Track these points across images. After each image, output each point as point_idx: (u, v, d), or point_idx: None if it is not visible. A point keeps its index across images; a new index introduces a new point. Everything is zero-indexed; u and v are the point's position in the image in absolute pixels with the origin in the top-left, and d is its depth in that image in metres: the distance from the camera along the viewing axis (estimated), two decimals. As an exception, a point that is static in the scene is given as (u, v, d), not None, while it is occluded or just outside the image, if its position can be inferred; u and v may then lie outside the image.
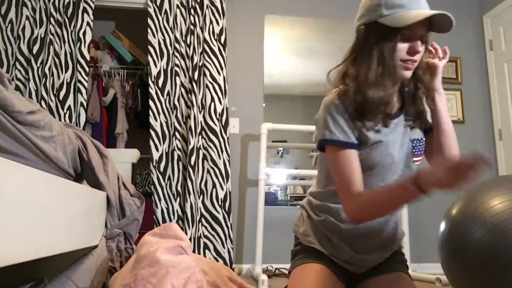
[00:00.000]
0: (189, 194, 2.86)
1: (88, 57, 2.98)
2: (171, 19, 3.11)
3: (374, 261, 1.24)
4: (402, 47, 1.08)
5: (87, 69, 2.97)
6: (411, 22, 1.04)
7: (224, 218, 2.90)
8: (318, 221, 1.26)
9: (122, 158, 2.42)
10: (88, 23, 3.01)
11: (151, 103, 2.97)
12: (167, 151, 2.95)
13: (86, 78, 2.96)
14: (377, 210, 1.06)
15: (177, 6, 3.11)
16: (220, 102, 3.04)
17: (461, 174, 0.84)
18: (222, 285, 1.01)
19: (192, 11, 3.11)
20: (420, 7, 1.07)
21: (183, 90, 3.05)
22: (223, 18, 3.15)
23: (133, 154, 2.57)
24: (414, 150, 1.20)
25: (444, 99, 1.20)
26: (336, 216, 1.21)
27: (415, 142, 1.20)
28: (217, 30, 3.13)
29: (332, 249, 1.23)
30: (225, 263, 2.84)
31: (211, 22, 3.12)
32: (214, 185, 2.92)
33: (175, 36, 3.08)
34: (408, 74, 1.10)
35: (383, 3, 1.08)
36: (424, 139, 1.22)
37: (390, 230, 1.24)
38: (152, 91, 2.98)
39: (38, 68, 2.91)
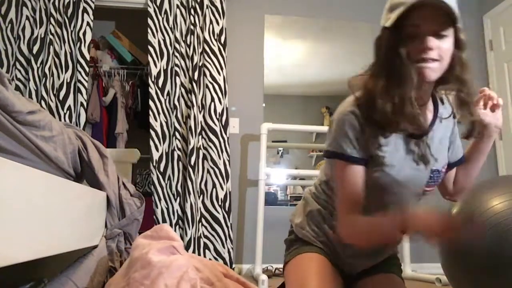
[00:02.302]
0: (189, 194, 2.86)
1: (88, 57, 2.98)
2: (171, 19, 3.11)
3: (364, 265, 1.23)
4: (412, 47, 0.98)
5: (87, 69, 2.97)
6: (396, 16, 0.96)
7: (224, 218, 2.90)
8: (319, 214, 1.22)
9: (122, 158, 2.42)
10: (88, 23, 3.01)
11: (151, 103, 2.97)
12: (167, 151, 2.95)
13: (86, 78, 2.96)
14: (367, 236, 1.03)
15: (177, 6, 3.11)
16: (220, 102, 3.04)
17: (450, 231, 0.83)
18: (216, 281, 1.01)
19: (192, 11, 3.11)
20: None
21: (183, 90, 3.05)
22: (223, 18, 3.15)
23: (133, 154, 2.57)
24: (430, 181, 1.12)
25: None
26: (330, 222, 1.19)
27: (434, 173, 1.12)
28: (217, 30, 3.13)
29: (324, 245, 1.21)
30: (225, 263, 2.84)
31: (211, 22, 3.12)
32: (214, 185, 2.92)
33: (175, 36, 3.08)
34: (428, 74, 0.98)
35: (387, 8, 1.02)
36: (443, 171, 1.14)
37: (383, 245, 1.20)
38: (152, 91, 2.98)
39: (38, 68, 2.91)
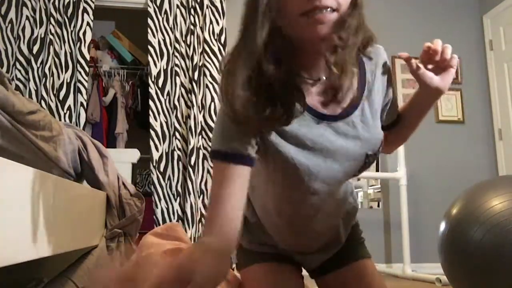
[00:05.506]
0: (189, 194, 2.86)
1: (88, 57, 2.98)
2: (171, 19, 3.11)
3: (320, 260, 1.07)
4: None
5: (87, 69, 2.97)
6: None
7: (224, 218, 2.90)
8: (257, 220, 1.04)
9: (122, 158, 2.42)
10: (88, 23, 3.01)
11: (151, 103, 2.97)
12: (167, 151, 2.95)
13: (86, 78, 2.96)
14: None
15: (177, 6, 3.11)
16: (220, 102, 3.04)
17: None
18: None
19: (192, 11, 3.11)
20: None
21: (183, 90, 3.05)
22: (223, 18, 3.15)
23: (133, 154, 2.57)
24: (364, 166, 0.87)
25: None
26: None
27: (369, 157, 0.86)
28: (217, 30, 3.13)
29: (273, 248, 1.05)
30: (225, 263, 2.84)
31: (211, 22, 3.12)
32: (214, 185, 2.92)
33: (175, 36, 3.09)
34: (322, 30, 0.69)
35: None
36: (380, 150, 0.88)
37: (332, 233, 1.02)
38: (152, 91, 2.98)
39: (38, 68, 2.91)
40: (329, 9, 0.68)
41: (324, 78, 0.79)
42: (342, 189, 0.96)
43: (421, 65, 0.85)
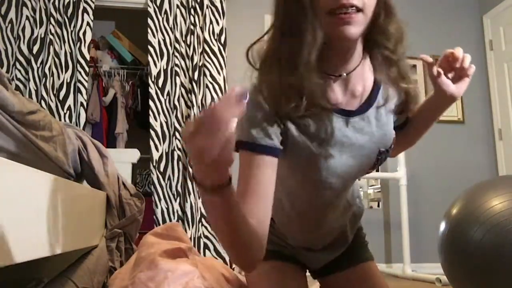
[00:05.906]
0: (189, 194, 2.86)
1: (88, 57, 2.98)
2: (171, 19, 3.11)
3: (326, 259, 1.08)
4: None
5: (87, 69, 2.97)
6: None
7: (224, 218, 2.91)
8: None
9: (122, 158, 2.42)
10: (88, 23, 3.01)
11: (151, 103, 2.97)
12: (167, 151, 2.95)
13: (86, 78, 2.96)
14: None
15: (177, 6, 3.11)
16: (220, 102, 3.04)
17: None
18: None
19: (192, 11, 3.11)
20: None
21: (183, 90, 3.05)
22: (223, 18, 3.15)
23: (133, 154, 2.57)
24: (376, 163, 0.90)
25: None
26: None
27: (382, 155, 0.89)
28: (217, 30, 3.13)
29: (279, 245, 1.06)
30: (225, 262, 2.84)
31: (211, 22, 3.13)
32: (214, 185, 2.92)
33: (175, 36, 3.09)
34: (349, 31, 0.72)
35: None
36: (392, 148, 0.91)
37: (339, 232, 1.04)
38: (152, 91, 2.98)
39: (38, 68, 2.91)
40: (354, 8, 0.70)
41: (345, 74, 0.81)
42: (352, 189, 0.98)
43: (441, 71, 0.87)
